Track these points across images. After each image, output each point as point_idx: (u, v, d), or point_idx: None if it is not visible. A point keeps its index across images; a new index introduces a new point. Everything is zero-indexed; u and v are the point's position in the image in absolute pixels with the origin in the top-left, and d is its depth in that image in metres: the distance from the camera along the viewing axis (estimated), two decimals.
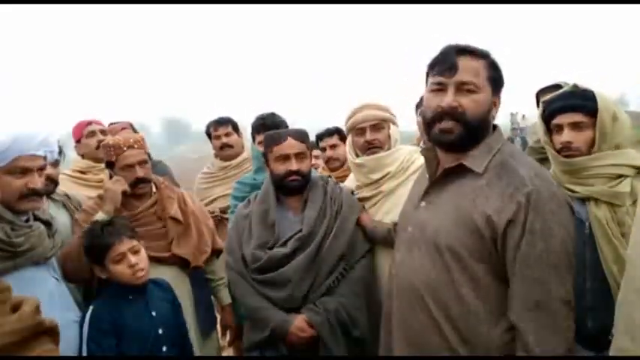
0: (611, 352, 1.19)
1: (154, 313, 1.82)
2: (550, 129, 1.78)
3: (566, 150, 1.71)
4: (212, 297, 2.41)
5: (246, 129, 2.96)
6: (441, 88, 1.29)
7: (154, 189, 2.20)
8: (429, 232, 1.29)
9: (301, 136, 2.04)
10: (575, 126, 1.69)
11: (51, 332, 0.88)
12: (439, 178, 1.33)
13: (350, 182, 2.28)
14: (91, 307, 1.77)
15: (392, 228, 1.96)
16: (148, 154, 2.21)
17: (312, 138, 2.99)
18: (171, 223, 2.13)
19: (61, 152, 2.17)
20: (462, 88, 1.27)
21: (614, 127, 1.65)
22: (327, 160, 2.87)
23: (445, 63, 1.28)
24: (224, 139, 3.02)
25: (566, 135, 1.70)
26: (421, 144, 2.73)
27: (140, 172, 2.08)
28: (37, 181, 1.62)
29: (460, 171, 1.29)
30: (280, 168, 1.99)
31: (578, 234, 1.68)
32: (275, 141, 2.01)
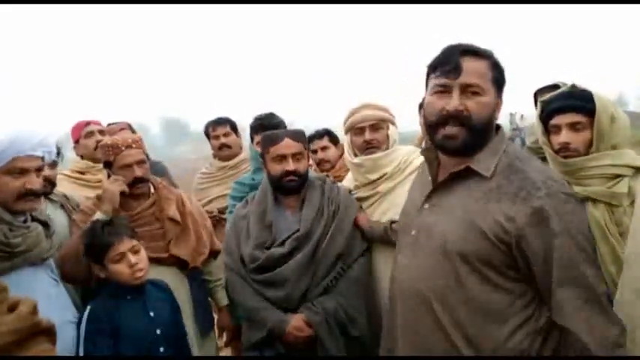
0: None
1: (151, 314, 1.82)
2: (548, 129, 1.79)
3: (564, 150, 1.71)
4: (209, 298, 2.41)
5: (244, 129, 2.97)
6: (444, 90, 1.25)
7: (152, 189, 2.20)
8: (437, 237, 1.26)
9: (298, 136, 2.05)
10: (573, 126, 1.70)
11: (48, 332, 0.88)
12: (445, 182, 1.30)
13: (348, 182, 2.29)
14: (88, 307, 1.77)
15: (388, 226, 1.97)
16: (146, 155, 2.21)
17: None
18: (169, 224, 2.13)
19: (59, 153, 2.17)
20: (466, 90, 1.23)
21: (611, 127, 1.66)
22: (319, 163, 2.88)
23: (449, 64, 1.23)
24: (222, 140, 3.02)
25: (564, 135, 1.70)
26: (423, 144, 2.74)
27: (138, 172, 2.08)
28: (35, 182, 1.62)
29: (466, 174, 1.27)
30: (277, 168, 2.00)
31: None
32: (272, 141, 2.02)
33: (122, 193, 2.05)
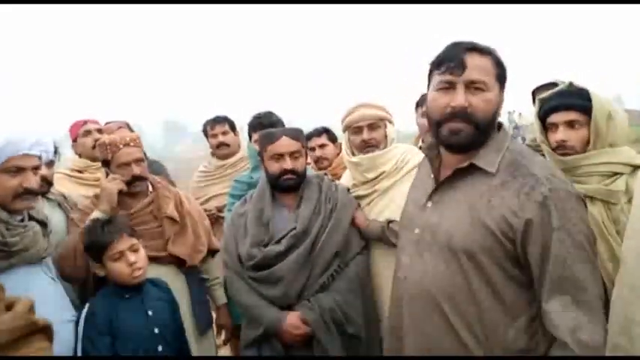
0: (607, 349, 1.20)
1: (150, 313, 1.82)
2: (546, 127, 1.79)
3: (561, 148, 1.72)
4: (208, 296, 2.41)
5: (243, 128, 2.96)
6: (449, 87, 1.24)
7: (150, 188, 2.20)
8: (442, 235, 1.26)
9: (296, 134, 2.05)
10: (570, 124, 1.70)
11: (45, 331, 0.88)
12: (449, 179, 1.30)
13: (345, 180, 2.29)
14: (86, 306, 1.77)
15: (385, 226, 1.97)
16: (144, 153, 2.21)
17: None
18: (167, 223, 2.13)
19: (56, 152, 2.17)
20: (470, 86, 1.23)
21: (608, 125, 1.66)
22: (316, 160, 2.87)
23: (453, 60, 1.22)
24: (221, 138, 3.02)
25: (561, 133, 1.71)
26: (420, 143, 2.74)
27: (136, 170, 2.08)
28: (32, 181, 1.62)
29: (470, 171, 1.26)
30: (275, 167, 2.00)
31: None
32: (269, 140, 2.02)
33: (120, 192, 2.05)
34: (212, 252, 2.34)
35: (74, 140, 2.85)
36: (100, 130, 2.82)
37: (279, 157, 1.99)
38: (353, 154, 2.15)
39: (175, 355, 1.87)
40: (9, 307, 0.84)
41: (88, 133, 2.79)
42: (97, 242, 1.77)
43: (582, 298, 1.12)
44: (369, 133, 2.09)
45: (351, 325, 1.91)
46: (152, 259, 1.99)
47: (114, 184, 2.03)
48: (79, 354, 1.69)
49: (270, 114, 2.66)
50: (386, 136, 2.13)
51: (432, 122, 1.32)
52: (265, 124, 2.50)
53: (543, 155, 1.90)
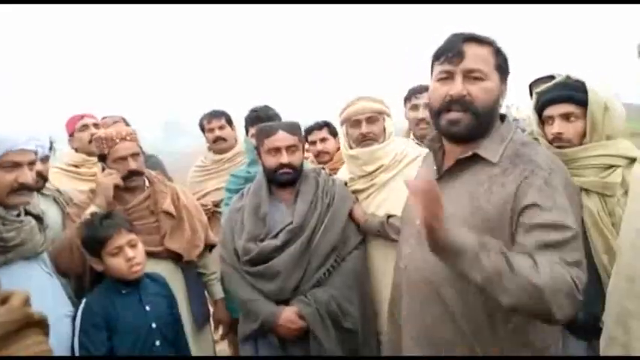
0: (602, 341, 1.21)
1: (147, 308, 1.82)
2: (542, 120, 1.79)
3: (557, 141, 1.72)
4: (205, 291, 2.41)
5: (240, 122, 2.95)
6: (447, 77, 1.25)
7: (146, 183, 2.20)
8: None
9: (293, 128, 2.05)
10: (566, 117, 1.70)
11: (40, 324, 0.88)
12: (451, 169, 1.30)
13: (343, 174, 2.29)
14: (84, 301, 1.77)
15: (385, 221, 1.97)
16: (141, 148, 2.20)
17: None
18: (164, 218, 2.13)
19: (51, 148, 2.16)
20: (469, 75, 1.23)
21: (605, 118, 1.66)
22: (317, 154, 2.87)
23: (451, 50, 1.24)
24: (217, 132, 3.01)
25: (557, 126, 1.71)
26: (410, 136, 2.74)
27: (133, 165, 2.08)
28: (28, 176, 1.61)
29: (472, 161, 1.27)
30: (271, 161, 2.00)
31: None
32: (266, 134, 2.02)
33: (117, 187, 2.05)
34: (209, 247, 2.34)
35: (71, 135, 2.85)
36: (96, 125, 2.82)
37: (276, 151, 1.99)
38: (351, 148, 2.15)
39: (174, 350, 1.87)
40: (4, 300, 0.84)
41: (85, 127, 2.79)
42: (95, 237, 1.77)
43: (556, 242, 1.09)
44: (367, 127, 2.08)
45: (347, 320, 1.92)
46: (149, 254, 1.98)
47: (110, 178, 2.03)
48: (76, 349, 1.69)
49: (266, 108, 2.66)
50: (384, 130, 2.13)
51: (432, 113, 1.32)
52: (262, 118, 2.50)
53: None
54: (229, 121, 3.08)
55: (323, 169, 2.34)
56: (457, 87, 1.22)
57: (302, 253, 1.92)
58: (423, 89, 2.57)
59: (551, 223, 1.10)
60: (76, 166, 2.75)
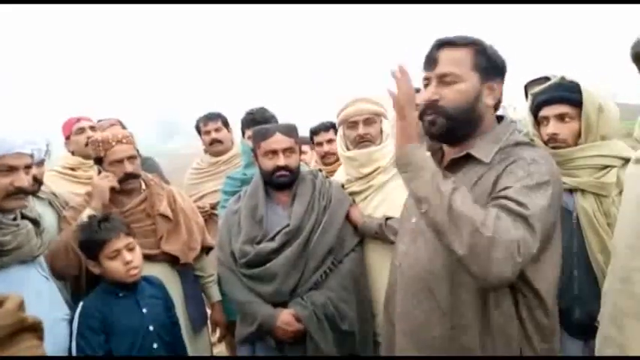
0: (597, 340, 1.22)
1: (144, 310, 1.82)
2: (538, 121, 1.80)
3: (552, 141, 1.73)
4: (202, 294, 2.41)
5: (237, 125, 2.95)
6: (427, 83, 1.32)
7: (143, 186, 2.20)
8: None
9: (289, 131, 2.04)
10: (561, 117, 1.72)
11: (34, 329, 0.88)
12: (446, 169, 1.33)
13: (339, 175, 2.29)
14: (81, 304, 1.77)
15: (383, 223, 1.97)
16: (137, 151, 2.20)
17: (307, 134, 2.98)
18: (160, 220, 2.12)
19: (47, 151, 2.15)
20: (443, 80, 1.28)
21: (599, 118, 1.67)
22: (323, 155, 2.85)
23: (428, 57, 1.31)
24: (214, 135, 3.00)
25: (552, 126, 1.72)
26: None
27: (129, 167, 2.08)
28: (24, 180, 1.61)
29: (466, 161, 1.29)
30: (268, 163, 2.00)
31: (566, 224, 1.71)
32: (263, 136, 2.02)
33: (113, 189, 2.04)
34: (206, 249, 2.34)
35: (67, 138, 2.84)
36: (93, 128, 2.81)
37: (273, 153, 1.99)
38: (348, 149, 2.15)
39: (171, 353, 1.87)
40: None
41: (81, 130, 2.78)
42: (93, 240, 1.77)
43: (519, 214, 1.09)
44: (364, 128, 2.09)
45: (344, 322, 1.92)
46: (145, 257, 1.98)
47: (106, 181, 2.03)
48: (74, 352, 1.69)
49: (263, 110, 2.65)
50: (381, 132, 2.13)
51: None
52: (258, 120, 2.49)
53: None
54: (225, 124, 3.08)
55: (320, 171, 2.34)
56: (427, 93, 1.30)
57: (299, 256, 1.92)
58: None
59: (515, 199, 1.12)
60: (72, 169, 2.74)
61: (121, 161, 2.07)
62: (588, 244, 1.65)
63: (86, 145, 2.62)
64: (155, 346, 1.80)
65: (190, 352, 2.04)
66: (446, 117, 1.28)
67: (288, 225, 1.95)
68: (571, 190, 1.71)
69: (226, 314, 2.43)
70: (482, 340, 1.22)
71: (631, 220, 1.15)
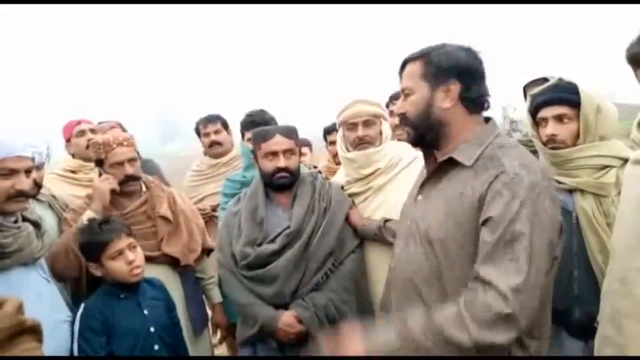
0: (596, 340, 1.22)
1: (145, 312, 1.82)
2: (537, 122, 1.81)
3: (551, 142, 1.74)
4: (203, 295, 2.41)
5: (236, 127, 2.95)
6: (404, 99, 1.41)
7: (143, 188, 2.20)
8: (422, 225, 1.31)
9: (289, 132, 2.05)
10: (559, 118, 1.72)
11: (33, 331, 0.88)
12: (433, 173, 1.35)
13: (339, 177, 2.29)
14: (82, 306, 1.78)
15: (382, 225, 1.98)
16: (138, 153, 2.21)
17: (312, 134, 2.99)
18: (160, 222, 2.13)
19: (47, 154, 2.15)
20: (405, 94, 1.38)
21: (598, 118, 1.68)
22: (335, 154, 2.85)
23: (399, 75, 1.41)
24: (213, 137, 3.01)
25: (551, 127, 1.73)
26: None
27: (130, 170, 2.08)
28: (25, 182, 1.61)
29: (450, 165, 1.30)
30: (268, 165, 2.00)
31: (566, 224, 1.71)
32: (263, 138, 2.02)
33: (113, 192, 2.05)
34: (207, 251, 2.34)
35: (67, 140, 2.84)
36: (93, 130, 2.81)
37: (273, 155, 1.99)
38: (348, 151, 2.16)
39: (172, 354, 1.88)
40: None
41: (81, 133, 2.78)
42: (95, 241, 1.77)
43: (511, 248, 1.11)
44: (363, 130, 2.09)
45: (345, 323, 1.92)
46: (146, 259, 1.99)
47: (106, 183, 2.03)
48: (75, 354, 1.69)
49: (262, 112, 2.65)
50: (381, 133, 2.14)
51: None
52: (258, 122, 2.49)
53: (534, 151, 1.91)
54: (225, 126, 3.08)
55: (320, 172, 2.34)
56: (396, 108, 1.43)
57: (300, 257, 1.92)
58: (399, 95, 2.58)
59: (497, 240, 1.13)
60: (72, 172, 2.74)
61: (121, 163, 2.07)
62: (588, 244, 1.65)
63: (87, 147, 2.63)
64: (156, 347, 1.80)
65: (191, 354, 2.05)
66: (412, 127, 1.37)
67: (288, 227, 1.95)
68: (570, 191, 1.71)
69: (227, 316, 2.44)
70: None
71: (629, 221, 1.16)
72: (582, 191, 1.68)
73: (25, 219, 1.71)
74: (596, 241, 1.64)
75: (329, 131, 2.91)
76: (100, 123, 3.04)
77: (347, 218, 2.05)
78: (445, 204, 1.26)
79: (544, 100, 1.75)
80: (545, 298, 1.23)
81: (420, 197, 1.38)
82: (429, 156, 1.41)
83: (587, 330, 1.58)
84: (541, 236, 1.14)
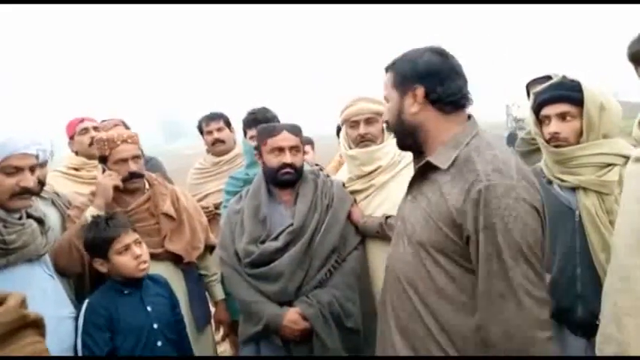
0: (598, 338, 1.22)
1: (149, 308, 1.84)
2: (540, 120, 1.81)
3: (554, 140, 1.74)
4: (206, 292, 2.42)
5: (239, 124, 2.96)
6: None
7: (146, 185, 2.21)
8: (408, 227, 1.32)
9: (295, 130, 2.05)
10: (562, 116, 1.72)
11: (36, 325, 0.89)
12: (417, 175, 1.36)
13: (342, 175, 2.30)
14: (86, 301, 1.79)
15: (383, 222, 1.98)
16: (142, 151, 2.22)
17: (314, 132, 2.98)
18: (164, 220, 2.14)
19: (50, 152, 2.17)
20: (387, 102, 1.42)
21: (601, 116, 1.67)
22: None
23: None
24: (216, 135, 3.01)
25: (553, 125, 1.73)
26: None
27: (133, 167, 2.09)
28: (29, 180, 1.63)
29: (429, 168, 1.30)
30: (274, 161, 1.99)
31: (569, 222, 1.71)
32: (270, 134, 2.01)
33: (117, 188, 2.06)
34: (210, 248, 2.35)
35: (71, 138, 2.85)
36: (96, 128, 2.82)
37: (279, 150, 1.98)
38: (350, 148, 2.17)
39: (176, 351, 1.89)
40: (0, 302, 0.85)
41: (85, 131, 2.79)
42: (102, 237, 1.79)
43: (506, 293, 1.12)
44: (365, 128, 2.10)
45: (349, 319, 1.93)
46: (149, 256, 2.00)
47: (109, 179, 2.04)
48: (79, 349, 1.71)
49: (265, 110, 2.65)
50: (383, 131, 2.14)
51: None
52: (260, 120, 2.49)
53: (538, 149, 1.91)
54: (228, 123, 3.08)
55: (321, 170, 2.35)
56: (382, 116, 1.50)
57: (303, 254, 1.92)
58: None
59: (497, 271, 1.14)
60: (76, 169, 2.76)
61: (125, 160, 2.08)
62: (590, 242, 1.65)
63: (90, 145, 2.64)
64: (159, 343, 1.81)
65: (194, 351, 2.05)
66: (394, 132, 1.44)
67: (291, 224, 1.96)
68: (574, 189, 1.71)
69: (230, 313, 2.44)
70: (457, 341, 1.23)
71: (631, 219, 1.15)
72: (585, 189, 1.67)
73: (29, 216, 1.72)
74: (598, 239, 1.63)
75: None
76: (103, 121, 3.05)
77: (348, 216, 2.06)
78: (426, 206, 1.27)
79: (547, 97, 1.75)
80: None
81: (408, 198, 1.39)
82: (418, 157, 1.42)
83: (589, 328, 1.58)
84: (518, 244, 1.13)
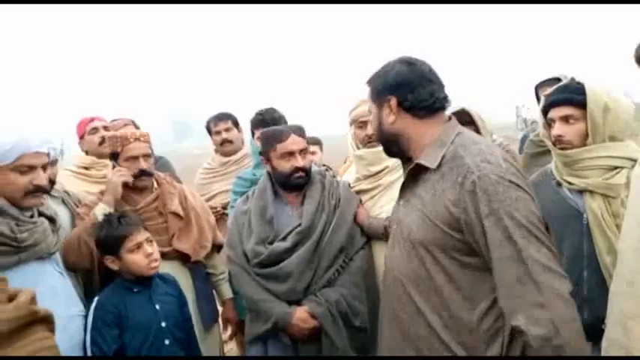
0: (603, 343, 1.22)
1: (157, 307, 1.85)
2: (548, 122, 1.80)
3: (558, 143, 1.73)
4: (214, 291, 2.44)
5: (247, 125, 2.97)
6: None
7: (155, 184, 2.23)
8: (404, 229, 1.34)
9: (301, 131, 2.05)
10: (565, 119, 1.71)
11: (46, 321, 0.91)
12: (408, 178, 1.39)
13: (349, 175, 2.31)
14: (96, 299, 1.82)
15: (387, 224, 1.98)
16: (152, 150, 2.25)
17: (320, 133, 2.98)
18: (172, 218, 2.16)
19: (61, 150, 2.20)
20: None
21: (605, 118, 1.66)
22: None
23: None
24: (224, 135, 3.02)
25: (557, 128, 1.72)
26: None
27: (144, 165, 2.12)
28: (42, 178, 1.65)
29: (420, 170, 1.33)
30: (286, 166, 1.97)
31: (577, 225, 1.70)
32: (278, 138, 1.99)
33: (126, 186, 2.08)
34: (217, 247, 2.36)
35: (81, 137, 2.88)
36: (106, 128, 2.85)
37: (290, 155, 1.97)
38: (358, 148, 2.18)
39: (183, 349, 1.90)
40: (11, 298, 0.87)
41: (95, 130, 2.82)
42: (115, 235, 1.81)
43: (523, 275, 1.13)
44: (372, 128, 2.11)
45: (357, 318, 1.94)
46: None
47: (119, 175, 2.06)
48: (88, 345, 1.73)
49: (272, 110, 2.63)
50: None
51: None
52: (267, 121, 2.49)
53: (547, 151, 1.90)
54: (236, 124, 3.10)
55: (327, 170, 2.36)
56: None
57: (312, 254, 1.93)
58: None
59: (510, 255, 1.15)
60: (86, 168, 2.78)
61: (136, 158, 2.11)
62: (596, 245, 1.64)
63: (100, 144, 2.67)
64: (167, 342, 1.83)
65: (201, 349, 2.07)
66: (379, 142, 1.52)
67: (299, 225, 1.96)
68: (581, 191, 1.70)
69: (237, 312, 2.45)
70: (462, 338, 1.24)
71: (637, 223, 1.15)
72: (592, 192, 1.66)
73: (40, 214, 1.75)
74: (604, 242, 1.62)
75: None
76: (113, 120, 3.08)
77: (354, 217, 2.06)
78: (421, 206, 1.30)
79: (552, 100, 1.75)
80: None
81: (401, 201, 1.42)
82: (406, 163, 1.44)
83: (596, 332, 1.57)
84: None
